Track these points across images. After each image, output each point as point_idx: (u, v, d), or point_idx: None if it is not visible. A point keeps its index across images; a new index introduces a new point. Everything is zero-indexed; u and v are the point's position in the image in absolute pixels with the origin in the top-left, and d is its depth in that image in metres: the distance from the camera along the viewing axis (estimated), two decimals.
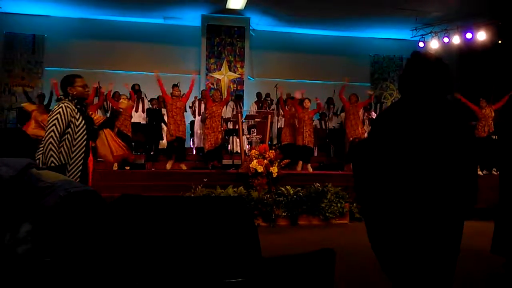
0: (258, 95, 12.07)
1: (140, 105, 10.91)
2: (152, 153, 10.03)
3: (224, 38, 13.19)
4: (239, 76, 13.26)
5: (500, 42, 11.96)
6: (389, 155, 2.10)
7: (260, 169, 7.15)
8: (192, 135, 11.42)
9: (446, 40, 12.57)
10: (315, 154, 11.42)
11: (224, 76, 13.18)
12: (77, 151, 3.64)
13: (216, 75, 13.16)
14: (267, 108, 11.23)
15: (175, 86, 9.28)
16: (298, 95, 9.74)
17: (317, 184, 7.11)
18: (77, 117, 3.62)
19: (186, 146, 10.16)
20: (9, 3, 11.68)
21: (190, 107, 11.11)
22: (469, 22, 12.03)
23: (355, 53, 13.71)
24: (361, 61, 13.94)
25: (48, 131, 3.50)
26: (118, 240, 1.64)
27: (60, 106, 3.55)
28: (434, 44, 12.82)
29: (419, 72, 2.19)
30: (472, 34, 12.08)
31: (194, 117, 11.12)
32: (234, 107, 11.27)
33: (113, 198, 1.83)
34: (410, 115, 2.12)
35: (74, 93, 3.64)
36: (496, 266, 3.97)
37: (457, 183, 2.07)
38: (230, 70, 13.22)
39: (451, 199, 2.06)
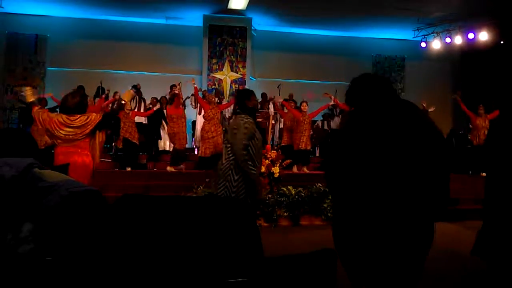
0: (263, 95, 12.02)
1: (142, 105, 10.90)
2: (153, 153, 10.04)
3: (226, 38, 13.19)
4: (241, 76, 13.26)
5: (502, 42, 11.93)
6: (354, 162, 2.13)
7: (262, 169, 7.14)
8: (193, 135, 11.42)
9: (448, 40, 12.55)
10: (317, 154, 11.41)
11: (226, 76, 13.18)
12: (259, 162, 3.73)
13: (218, 75, 13.16)
14: (267, 109, 11.21)
15: (174, 86, 9.32)
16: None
17: (319, 184, 7.10)
18: (256, 129, 3.74)
19: (187, 147, 10.17)
20: (11, 3, 11.70)
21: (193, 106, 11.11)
22: (471, 22, 12.02)
23: (357, 53, 13.70)
24: (363, 61, 13.93)
25: (242, 150, 3.55)
26: (120, 240, 1.64)
27: (245, 121, 3.65)
28: (436, 44, 12.81)
29: (367, 83, 2.36)
30: (474, 35, 12.06)
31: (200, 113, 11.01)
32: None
33: (115, 198, 1.83)
34: (372, 122, 2.16)
35: (250, 106, 3.80)
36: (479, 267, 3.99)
37: (421, 185, 2.07)
38: (232, 70, 13.22)
39: (416, 201, 2.07)
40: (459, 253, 4.42)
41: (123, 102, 5.01)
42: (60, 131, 4.15)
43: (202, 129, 9.02)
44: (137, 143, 8.85)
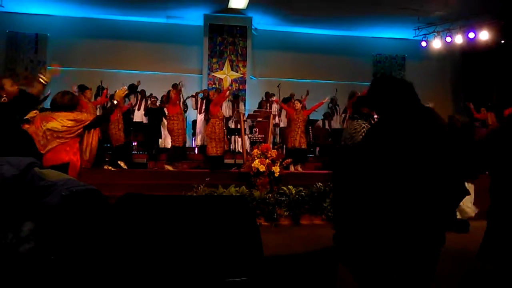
0: (267, 94, 11.99)
1: (143, 104, 10.89)
2: (153, 152, 10.03)
3: (226, 37, 13.19)
4: (241, 75, 13.25)
5: (503, 42, 11.92)
6: (378, 167, 2.11)
7: (262, 168, 7.14)
8: (194, 134, 11.41)
9: (448, 39, 12.53)
10: (317, 153, 11.40)
11: (226, 75, 13.18)
12: None
13: (218, 74, 13.16)
14: (267, 108, 11.20)
15: (175, 84, 9.28)
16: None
17: (319, 183, 7.10)
18: None
19: (187, 146, 10.16)
20: (12, 3, 11.70)
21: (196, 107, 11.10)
22: (472, 22, 12.00)
23: (358, 53, 13.69)
24: (363, 61, 13.94)
25: None
26: (121, 239, 1.64)
27: (362, 126, 3.99)
28: (436, 44, 12.79)
29: (390, 88, 2.31)
30: (475, 34, 12.04)
31: (200, 113, 10.95)
32: (232, 107, 11.24)
33: (115, 197, 1.83)
34: (397, 128, 2.15)
35: (365, 112, 4.13)
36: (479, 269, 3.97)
37: (441, 193, 2.05)
38: (232, 70, 13.22)
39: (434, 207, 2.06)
40: (459, 253, 4.41)
41: (115, 102, 4.83)
42: (47, 124, 3.98)
43: (209, 128, 8.78)
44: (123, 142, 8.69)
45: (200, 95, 10.87)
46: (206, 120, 9.88)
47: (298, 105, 9.26)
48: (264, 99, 11.88)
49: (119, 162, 8.41)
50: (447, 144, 2.13)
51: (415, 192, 2.04)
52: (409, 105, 2.24)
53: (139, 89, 10.98)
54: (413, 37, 13.46)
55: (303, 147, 9.14)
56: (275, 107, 11.47)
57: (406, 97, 2.28)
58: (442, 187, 2.06)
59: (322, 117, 12.08)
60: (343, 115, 11.69)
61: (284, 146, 10.05)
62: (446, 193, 2.07)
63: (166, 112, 9.42)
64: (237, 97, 11.68)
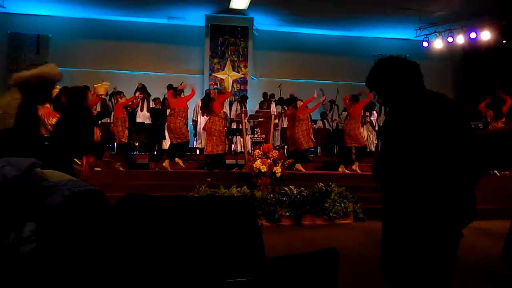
0: (264, 95, 11.99)
1: (145, 105, 10.90)
2: (155, 152, 10.04)
3: (227, 38, 13.21)
4: (243, 76, 13.27)
5: (504, 41, 11.91)
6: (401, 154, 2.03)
7: (264, 168, 7.14)
8: (195, 135, 11.42)
9: (450, 39, 12.52)
10: (318, 153, 11.40)
11: (228, 76, 13.19)
12: None
13: (220, 75, 13.17)
14: (267, 109, 11.18)
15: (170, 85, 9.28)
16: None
17: (321, 184, 7.09)
18: None
19: (189, 146, 10.16)
20: (13, 3, 11.72)
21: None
22: (473, 22, 11.99)
23: (359, 53, 13.67)
24: (365, 61, 13.84)
25: None
26: (123, 239, 1.64)
27: None
28: (438, 44, 12.78)
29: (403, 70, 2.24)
30: (476, 34, 12.03)
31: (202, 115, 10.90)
32: (238, 107, 11.25)
33: (117, 198, 1.83)
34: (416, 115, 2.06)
35: None
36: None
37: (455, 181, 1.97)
38: (233, 70, 13.23)
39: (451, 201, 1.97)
40: (469, 254, 4.38)
41: (102, 96, 4.68)
42: (52, 119, 3.94)
43: (208, 123, 8.63)
44: (126, 142, 8.68)
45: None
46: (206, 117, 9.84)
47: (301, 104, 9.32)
48: (263, 99, 11.88)
49: (118, 164, 8.41)
50: (467, 124, 2.07)
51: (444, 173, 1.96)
52: (420, 89, 2.16)
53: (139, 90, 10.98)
54: (415, 37, 13.45)
55: (310, 146, 9.31)
56: (273, 107, 11.48)
57: (415, 80, 2.18)
58: (466, 167, 1.98)
59: (320, 118, 12.08)
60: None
61: (286, 146, 10.03)
62: (470, 173, 2.00)
63: (168, 111, 9.36)
64: (245, 98, 11.65)
